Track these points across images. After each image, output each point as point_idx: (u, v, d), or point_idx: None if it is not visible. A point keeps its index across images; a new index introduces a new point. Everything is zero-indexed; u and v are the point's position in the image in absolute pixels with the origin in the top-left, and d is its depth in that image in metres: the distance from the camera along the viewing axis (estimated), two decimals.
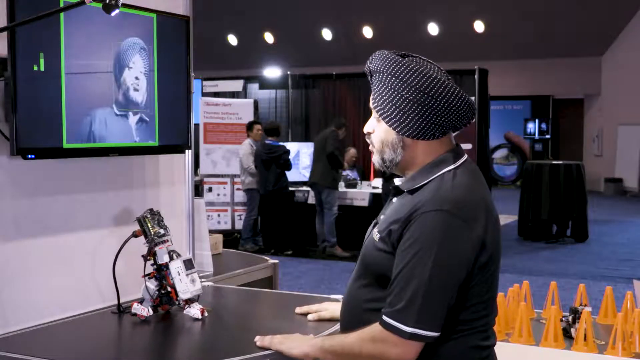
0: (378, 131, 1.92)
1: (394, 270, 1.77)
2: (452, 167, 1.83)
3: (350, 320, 1.93)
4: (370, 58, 1.91)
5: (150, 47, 2.71)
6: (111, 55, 2.55)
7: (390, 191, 1.98)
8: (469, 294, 1.79)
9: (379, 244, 1.84)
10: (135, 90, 2.65)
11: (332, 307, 2.42)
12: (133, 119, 2.66)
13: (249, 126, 9.72)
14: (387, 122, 1.86)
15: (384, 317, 1.76)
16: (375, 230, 1.89)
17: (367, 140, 1.98)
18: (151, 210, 2.51)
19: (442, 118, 1.82)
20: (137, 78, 2.65)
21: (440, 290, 1.72)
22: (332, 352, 1.89)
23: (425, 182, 1.82)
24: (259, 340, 2.12)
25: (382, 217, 1.93)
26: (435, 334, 1.74)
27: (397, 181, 1.95)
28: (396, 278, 1.75)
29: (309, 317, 2.43)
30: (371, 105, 1.92)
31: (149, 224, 2.46)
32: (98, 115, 2.51)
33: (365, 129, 1.97)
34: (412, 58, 1.89)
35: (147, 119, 2.72)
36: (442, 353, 1.80)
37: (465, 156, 1.89)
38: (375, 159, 1.94)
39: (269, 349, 2.07)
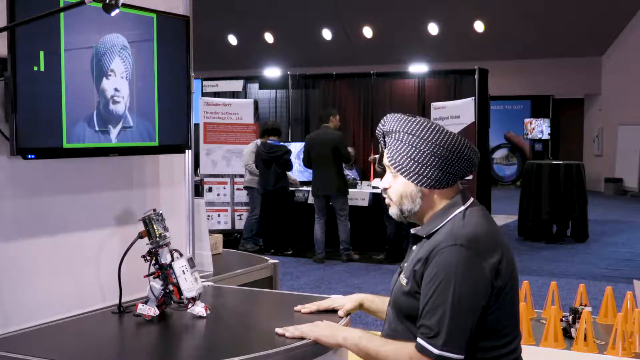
0: (395, 185, 2.10)
1: (421, 301, 1.96)
2: (462, 208, 2.04)
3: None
4: (383, 121, 2.12)
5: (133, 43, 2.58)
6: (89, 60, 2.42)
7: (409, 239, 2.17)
8: (486, 321, 1.94)
9: (406, 288, 2.03)
10: (116, 102, 2.53)
11: (343, 300, 2.46)
12: (114, 133, 2.55)
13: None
14: (406, 176, 2.05)
15: (418, 340, 1.94)
16: (402, 276, 2.09)
17: (384, 194, 2.16)
18: (154, 210, 2.50)
19: (456, 167, 2.03)
20: (117, 89, 2.53)
21: (463, 316, 1.90)
22: (366, 354, 2.04)
23: (440, 225, 2.03)
24: (286, 332, 2.16)
25: (405, 264, 2.12)
26: (461, 357, 1.91)
27: (413, 230, 2.13)
28: (424, 307, 1.94)
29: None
30: (387, 162, 2.11)
31: (154, 226, 2.45)
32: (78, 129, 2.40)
33: (382, 185, 2.15)
34: (420, 118, 2.08)
35: (131, 125, 2.61)
36: None
37: (472, 198, 2.10)
38: (393, 210, 2.12)
39: (302, 339, 2.12)
